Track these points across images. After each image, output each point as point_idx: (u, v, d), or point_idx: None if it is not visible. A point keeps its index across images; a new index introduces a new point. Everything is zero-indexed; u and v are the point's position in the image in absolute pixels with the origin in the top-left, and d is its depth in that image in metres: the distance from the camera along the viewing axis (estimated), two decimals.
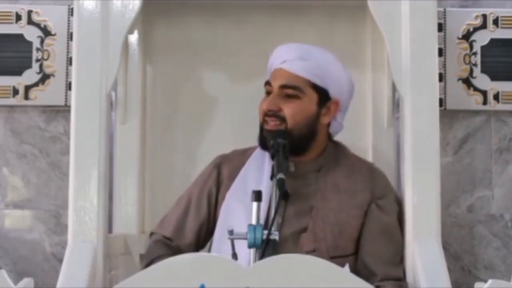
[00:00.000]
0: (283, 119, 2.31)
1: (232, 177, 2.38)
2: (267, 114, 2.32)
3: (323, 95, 2.34)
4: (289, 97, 2.32)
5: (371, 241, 2.30)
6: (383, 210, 2.33)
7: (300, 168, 2.32)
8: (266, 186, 2.25)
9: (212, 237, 2.38)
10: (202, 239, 2.41)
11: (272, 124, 2.32)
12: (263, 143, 2.34)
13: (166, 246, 2.36)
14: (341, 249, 2.28)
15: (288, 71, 2.34)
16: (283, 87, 2.33)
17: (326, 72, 2.35)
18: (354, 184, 2.34)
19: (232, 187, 2.36)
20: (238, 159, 2.43)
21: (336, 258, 2.22)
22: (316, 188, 2.32)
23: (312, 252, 2.23)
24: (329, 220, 2.28)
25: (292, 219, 2.27)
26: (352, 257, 2.30)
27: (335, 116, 2.39)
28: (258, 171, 2.35)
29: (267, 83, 2.37)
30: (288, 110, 2.31)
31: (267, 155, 2.34)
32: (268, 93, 2.36)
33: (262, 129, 2.35)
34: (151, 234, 2.46)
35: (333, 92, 2.36)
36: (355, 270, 2.24)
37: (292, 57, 2.35)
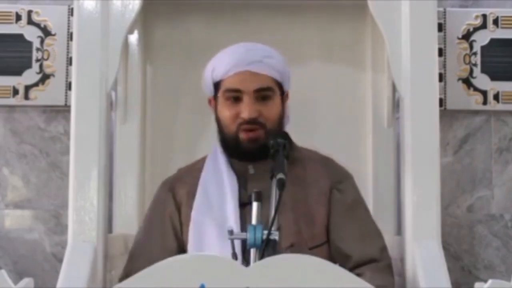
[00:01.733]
0: (261, 125, 2.26)
1: (191, 194, 2.32)
2: (246, 122, 2.26)
3: (281, 90, 2.33)
4: (263, 99, 2.28)
5: (338, 225, 2.29)
6: (344, 192, 2.32)
7: (258, 169, 2.30)
8: (231, 194, 2.24)
9: None
10: None
11: (252, 133, 2.26)
12: (242, 154, 2.27)
13: None
14: (317, 239, 2.27)
15: (258, 73, 2.28)
16: (258, 90, 2.27)
17: (283, 67, 2.32)
18: (313, 173, 2.33)
19: (195, 204, 2.29)
20: (189, 175, 2.38)
21: (315, 248, 2.24)
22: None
23: (291, 247, 2.21)
24: (299, 212, 2.26)
25: (265, 222, 2.24)
26: (326, 245, 2.29)
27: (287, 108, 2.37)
28: (218, 185, 2.30)
29: (232, 90, 2.27)
30: (266, 113, 2.27)
31: (222, 163, 2.31)
32: (234, 98, 2.27)
33: (235, 139, 2.27)
34: (122, 278, 2.27)
35: (285, 85, 2.34)
36: (330, 258, 2.24)
37: (258, 57, 2.28)
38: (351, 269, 2.22)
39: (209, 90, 2.35)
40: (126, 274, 2.26)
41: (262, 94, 2.28)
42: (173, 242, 2.33)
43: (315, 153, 2.41)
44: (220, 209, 2.26)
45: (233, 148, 2.30)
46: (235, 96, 2.27)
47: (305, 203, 2.29)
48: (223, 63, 2.29)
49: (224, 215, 2.23)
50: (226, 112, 2.29)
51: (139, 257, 2.31)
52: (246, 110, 2.25)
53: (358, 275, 2.18)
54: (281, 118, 2.32)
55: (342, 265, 2.23)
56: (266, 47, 2.34)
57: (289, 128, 2.36)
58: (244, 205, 2.23)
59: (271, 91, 2.29)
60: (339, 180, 2.34)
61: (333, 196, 2.31)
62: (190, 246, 2.27)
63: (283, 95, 2.34)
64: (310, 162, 2.36)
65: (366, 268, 2.24)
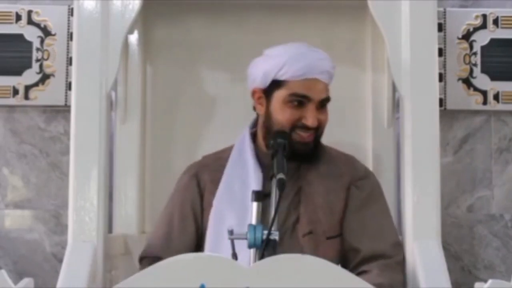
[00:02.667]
0: (315, 130, 2.32)
1: (215, 181, 2.36)
2: (307, 128, 2.30)
3: None
4: (322, 107, 2.34)
5: (350, 219, 2.33)
6: (361, 188, 2.37)
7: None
8: (255, 186, 2.26)
9: (201, 247, 2.35)
10: (193, 251, 2.36)
11: (307, 136, 2.31)
12: (290, 154, 2.27)
13: None
14: (334, 230, 2.31)
15: (324, 83, 2.33)
16: (323, 100, 2.33)
17: None
18: (335, 169, 2.38)
19: (218, 193, 2.34)
20: (214, 163, 2.42)
21: (332, 239, 2.29)
22: (300, 180, 2.34)
23: (309, 234, 2.27)
24: (319, 202, 2.31)
25: (285, 212, 2.29)
26: (340, 237, 2.33)
27: None
28: (243, 175, 2.34)
29: (299, 95, 2.29)
30: (323, 121, 2.34)
31: (249, 154, 2.35)
32: (299, 103, 2.30)
33: (287, 136, 2.29)
34: (141, 259, 2.40)
35: None
36: (341, 252, 2.29)
37: (328, 67, 2.33)
38: (359, 264, 2.27)
39: (263, 83, 2.34)
40: (147, 256, 2.36)
41: (323, 103, 2.33)
42: (192, 226, 2.37)
43: (338, 151, 2.47)
44: (242, 199, 2.28)
45: (291, 148, 2.30)
46: (300, 101, 2.30)
47: (325, 196, 2.33)
48: (295, 66, 2.30)
49: (245, 205, 2.23)
50: (286, 114, 2.30)
51: (158, 239, 2.37)
52: (311, 118, 2.29)
53: (365, 271, 2.23)
54: None
55: (351, 259, 2.29)
56: (328, 57, 2.36)
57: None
58: (266, 197, 2.24)
59: (328, 100, 2.35)
60: (359, 177, 2.39)
61: (351, 192, 2.36)
62: (209, 234, 2.31)
63: None
64: (333, 158, 2.41)
65: (375, 265, 2.26)
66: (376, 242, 2.30)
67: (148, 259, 2.36)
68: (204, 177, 2.40)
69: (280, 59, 2.31)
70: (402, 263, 2.30)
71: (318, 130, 2.33)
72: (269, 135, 2.34)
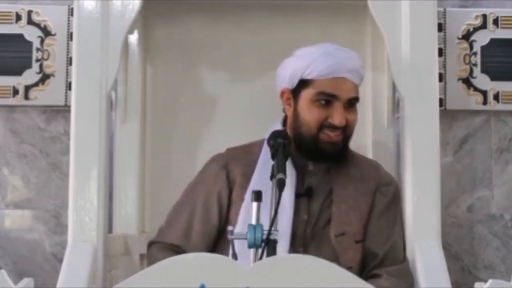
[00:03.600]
0: (343, 130, 2.30)
1: (246, 176, 2.33)
2: (335, 128, 2.29)
3: None
4: (350, 107, 2.32)
5: (372, 224, 2.33)
6: (385, 194, 2.38)
7: (317, 166, 2.35)
8: (290, 185, 2.24)
9: (220, 241, 2.34)
10: (212, 244, 2.35)
11: (335, 136, 2.29)
12: (315, 153, 2.29)
13: (174, 253, 2.24)
14: (361, 234, 2.32)
15: (353, 82, 2.31)
16: (351, 99, 2.31)
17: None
18: (364, 173, 2.38)
19: (250, 187, 2.29)
20: (245, 157, 2.39)
21: (359, 243, 2.30)
22: (331, 182, 2.34)
23: (342, 235, 2.28)
24: (350, 205, 2.32)
25: (317, 214, 2.29)
26: (363, 242, 2.34)
27: None
28: None
29: (327, 94, 2.28)
30: (351, 121, 2.32)
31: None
32: (327, 102, 2.29)
33: (314, 139, 2.29)
34: (150, 244, 2.39)
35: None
36: (362, 257, 2.30)
37: (356, 66, 2.32)
38: (373, 267, 2.30)
39: (291, 83, 2.34)
40: (161, 242, 2.34)
41: (351, 103, 2.32)
42: (215, 219, 2.34)
43: (365, 156, 2.51)
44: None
45: (309, 147, 2.31)
46: (327, 100, 2.29)
47: (356, 198, 2.33)
48: (322, 64, 2.29)
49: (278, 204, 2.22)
50: (314, 113, 2.30)
51: (177, 227, 2.35)
52: (338, 117, 2.28)
53: (376, 275, 2.27)
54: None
55: (369, 262, 2.31)
56: (358, 56, 2.36)
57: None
58: (299, 197, 2.26)
59: (357, 100, 2.34)
60: (385, 183, 2.40)
61: (376, 197, 2.36)
62: (238, 227, 2.24)
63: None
64: (361, 163, 2.42)
65: (385, 270, 2.28)
66: (390, 247, 2.32)
67: (160, 244, 2.35)
68: (235, 169, 2.36)
69: (307, 58, 2.31)
70: (411, 271, 2.30)
71: (346, 130, 2.31)
72: (297, 137, 2.32)
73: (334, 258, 2.23)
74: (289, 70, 2.33)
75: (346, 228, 2.29)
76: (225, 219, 2.35)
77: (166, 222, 2.41)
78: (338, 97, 2.28)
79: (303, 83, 2.32)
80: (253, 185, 2.29)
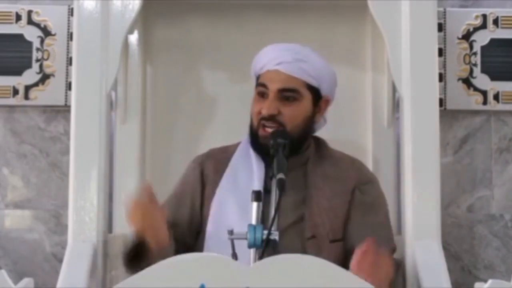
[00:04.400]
0: (281, 124, 2.30)
1: (219, 172, 2.37)
2: (265, 118, 2.30)
3: (316, 94, 2.35)
4: (287, 99, 2.32)
5: (355, 224, 2.32)
6: (365, 193, 2.36)
7: (289, 163, 2.31)
8: (258, 180, 2.28)
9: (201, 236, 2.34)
10: (184, 238, 2.33)
11: (269, 130, 2.30)
12: (259, 148, 2.32)
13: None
14: (337, 233, 2.31)
15: (286, 73, 2.32)
16: (281, 90, 2.31)
17: (320, 72, 2.35)
18: (341, 172, 2.37)
19: (222, 182, 2.34)
20: (220, 155, 2.42)
21: (335, 242, 2.29)
22: (306, 180, 2.34)
23: (313, 238, 2.27)
24: (324, 206, 2.31)
25: (288, 211, 2.27)
26: (343, 241, 2.33)
27: (325, 113, 2.40)
28: (247, 169, 2.35)
29: (262, 85, 2.33)
30: (287, 114, 2.31)
31: (253, 155, 2.35)
32: (261, 94, 2.33)
33: (255, 134, 2.33)
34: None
35: (325, 90, 2.36)
36: (343, 255, 2.28)
37: (289, 58, 2.33)
38: None
39: (256, 82, 2.40)
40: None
41: (286, 95, 2.31)
42: (187, 214, 2.35)
43: (344, 154, 2.46)
44: (245, 192, 2.26)
45: (252, 142, 2.35)
46: (263, 92, 2.33)
47: (330, 199, 2.33)
48: (260, 60, 2.36)
49: (248, 198, 2.22)
50: (253, 106, 2.35)
51: (168, 210, 2.33)
52: (266, 107, 2.30)
53: None
54: (308, 122, 2.35)
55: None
56: (304, 50, 2.37)
57: None
58: (268, 192, 2.25)
59: (296, 93, 2.32)
60: (364, 181, 2.38)
61: (355, 195, 2.35)
62: (210, 223, 2.30)
63: (319, 99, 2.36)
64: (339, 161, 2.41)
65: None
66: (381, 241, 2.28)
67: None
68: (208, 166, 2.40)
69: (259, 55, 2.38)
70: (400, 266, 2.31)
71: (284, 124, 2.29)
72: (250, 133, 2.36)
73: None
74: (251, 71, 2.41)
75: (317, 230, 2.28)
76: (198, 214, 2.35)
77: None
78: (269, 88, 2.31)
79: (256, 80, 2.39)
80: (224, 181, 2.34)
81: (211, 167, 2.40)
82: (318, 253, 2.23)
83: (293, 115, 2.32)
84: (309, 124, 2.36)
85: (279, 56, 2.33)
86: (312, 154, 2.39)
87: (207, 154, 2.46)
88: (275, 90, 2.31)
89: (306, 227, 2.28)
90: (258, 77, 2.37)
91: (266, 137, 2.29)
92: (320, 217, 2.30)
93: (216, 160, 2.41)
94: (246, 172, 2.34)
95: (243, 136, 2.53)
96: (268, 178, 2.30)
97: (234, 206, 2.28)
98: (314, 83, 2.33)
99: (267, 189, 2.25)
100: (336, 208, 2.32)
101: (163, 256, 1.90)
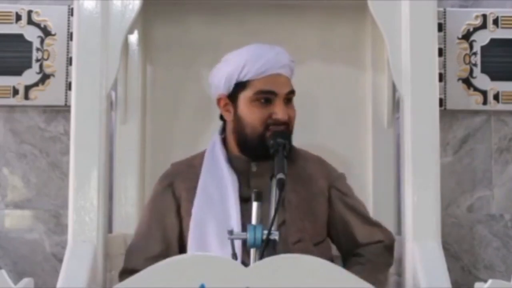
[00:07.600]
0: (287, 126, 2.31)
1: (191, 190, 2.33)
2: (278, 123, 2.29)
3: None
4: (288, 101, 2.34)
5: (342, 216, 2.37)
6: (341, 189, 2.40)
7: (260, 167, 2.32)
8: (232, 190, 2.27)
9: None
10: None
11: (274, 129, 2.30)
12: (266, 152, 2.26)
13: None
14: (320, 235, 2.34)
15: (287, 76, 2.34)
16: (288, 93, 2.33)
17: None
18: (312, 172, 2.39)
19: (196, 201, 2.31)
20: (188, 171, 2.39)
21: (318, 245, 2.31)
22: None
23: (298, 242, 2.27)
24: (304, 210, 2.32)
25: (268, 217, 2.24)
26: (326, 241, 2.37)
27: None
28: (218, 179, 2.32)
29: (268, 92, 2.29)
30: (291, 115, 2.33)
31: (221, 160, 2.33)
32: (266, 100, 2.30)
33: (261, 138, 2.29)
34: (122, 274, 2.32)
35: None
36: (330, 255, 2.32)
37: (286, 61, 2.34)
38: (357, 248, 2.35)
39: (227, 87, 2.34)
40: (126, 269, 2.30)
41: (289, 97, 2.34)
42: (173, 234, 2.34)
43: (307, 152, 2.46)
44: (221, 205, 2.27)
45: (256, 146, 2.30)
46: (267, 98, 2.30)
47: (308, 201, 2.33)
48: (256, 63, 2.31)
49: (225, 211, 2.24)
50: (256, 113, 2.30)
51: (138, 252, 2.33)
52: (281, 112, 2.29)
53: (359, 254, 2.32)
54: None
55: (350, 249, 2.35)
56: (285, 51, 2.37)
57: None
58: (245, 201, 2.24)
59: (293, 93, 2.35)
60: (335, 179, 2.41)
61: (332, 194, 2.38)
62: (190, 244, 2.27)
63: None
64: (307, 161, 2.41)
65: (367, 250, 2.34)
66: (372, 231, 2.38)
67: (129, 272, 2.25)
68: (179, 185, 2.37)
69: (240, 60, 2.32)
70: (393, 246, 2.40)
71: (289, 126, 2.31)
72: (242, 140, 2.33)
73: None
74: (224, 76, 2.34)
75: (302, 235, 2.28)
76: (180, 233, 2.34)
77: (127, 249, 2.39)
78: (277, 93, 2.30)
79: (239, 86, 2.32)
80: (198, 198, 2.30)
81: (182, 186, 2.37)
82: None
83: (293, 116, 2.35)
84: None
85: (278, 59, 2.33)
86: None
87: (173, 173, 2.42)
88: (283, 94, 2.31)
89: (290, 232, 2.27)
90: (244, 83, 2.32)
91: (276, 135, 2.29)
92: (302, 221, 2.30)
93: (185, 177, 2.38)
94: (218, 184, 2.31)
95: None
96: (244, 187, 2.29)
97: (212, 221, 2.25)
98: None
99: (243, 198, 2.25)
100: (315, 211, 2.34)
101: None
